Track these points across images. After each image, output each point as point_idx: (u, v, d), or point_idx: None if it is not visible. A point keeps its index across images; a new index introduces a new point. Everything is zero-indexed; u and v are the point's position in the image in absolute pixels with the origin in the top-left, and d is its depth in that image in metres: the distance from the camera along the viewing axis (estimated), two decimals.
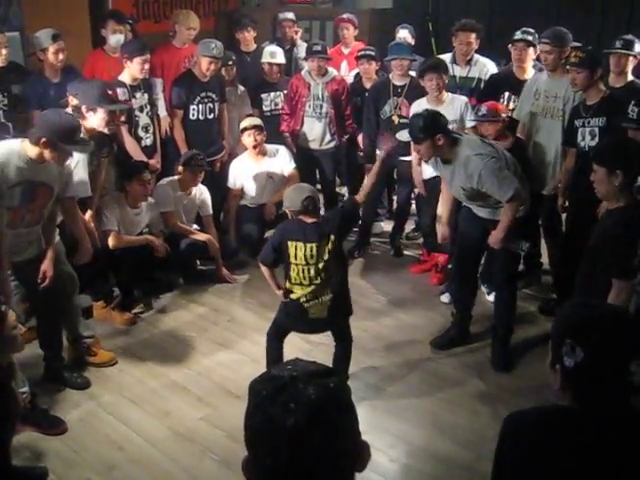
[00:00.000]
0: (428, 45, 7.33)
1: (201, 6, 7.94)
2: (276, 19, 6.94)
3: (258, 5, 8.57)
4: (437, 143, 3.92)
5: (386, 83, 5.61)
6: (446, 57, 5.73)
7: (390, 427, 3.72)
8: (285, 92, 6.00)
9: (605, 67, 4.69)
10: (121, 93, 4.93)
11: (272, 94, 6.03)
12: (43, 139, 3.46)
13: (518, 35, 5.13)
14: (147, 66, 5.15)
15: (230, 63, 5.80)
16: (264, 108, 6.04)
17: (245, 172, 5.68)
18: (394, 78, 5.57)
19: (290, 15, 6.78)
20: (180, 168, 5.25)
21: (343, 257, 3.86)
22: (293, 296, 3.70)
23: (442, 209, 4.72)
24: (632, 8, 6.87)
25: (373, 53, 5.88)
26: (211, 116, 5.69)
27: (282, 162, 5.73)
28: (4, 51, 4.58)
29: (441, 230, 4.74)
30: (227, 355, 4.47)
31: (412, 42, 6.33)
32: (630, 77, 4.71)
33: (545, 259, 5.37)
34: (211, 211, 5.52)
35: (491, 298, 4.89)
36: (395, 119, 5.50)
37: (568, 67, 4.47)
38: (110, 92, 4.22)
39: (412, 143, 4.30)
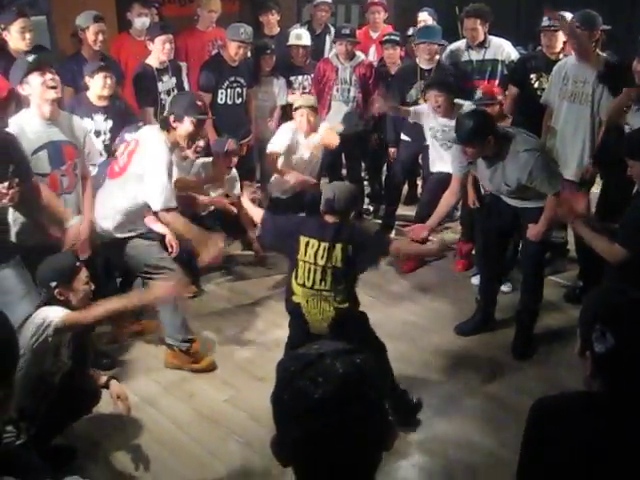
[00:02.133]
0: (455, 28, 7.24)
1: None
2: (309, 2, 6.89)
3: None
4: (487, 144, 3.81)
5: (413, 67, 5.57)
6: (461, 43, 5.69)
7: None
8: (312, 76, 5.97)
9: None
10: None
11: (300, 77, 5.97)
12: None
13: (546, 22, 5.06)
14: (169, 46, 5.10)
15: (268, 52, 5.74)
16: (293, 91, 5.96)
17: (293, 145, 5.34)
18: (421, 62, 5.52)
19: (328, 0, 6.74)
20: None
21: (354, 277, 3.45)
22: (294, 298, 3.43)
23: (436, 214, 4.22)
24: None
25: (398, 38, 5.86)
26: (239, 101, 5.64)
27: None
28: (28, 35, 4.60)
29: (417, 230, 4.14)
30: (251, 337, 4.50)
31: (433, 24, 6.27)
32: None
33: (572, 246, 5.31)
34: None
35: (505, 288, 4.88)
36: (421, 102, 5.46)
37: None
38: (200, 103, 3.92)
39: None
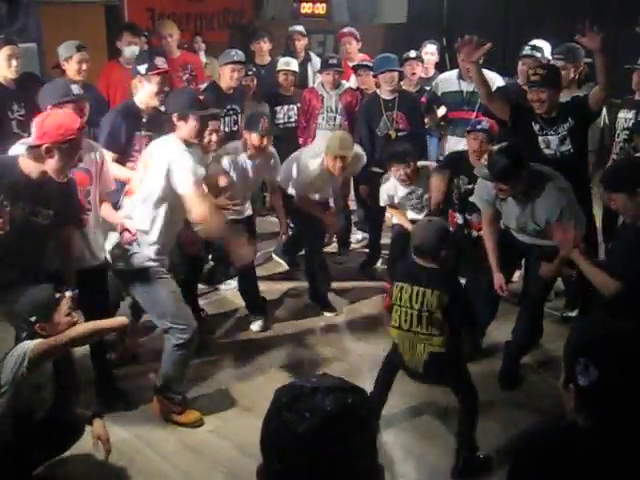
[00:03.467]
0: (442, 60, 7.36)
1: (216, 19, 8.04)
2: (287, 33, 6.99)
3: (273, 18, 8.64)
4: (522, 181, 3.78)
5: (375, 99, 5.58)
6: (452, 73, 5.75)
7: (397, 441, 3.70)
8: (298, 105, 6.02)
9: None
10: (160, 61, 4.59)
11: (286, 107, 6.04)
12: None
13: (527, 51, 5.13)
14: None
15: (250, 74, 5.80)
16: (277, 121, 6.01)
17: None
18: (383, 93, 5.54)
19: (299, 28, 6.84)
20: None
21: (453, 325, 3.37)
22: (393, 338, 3.50)
23: (492, 256, 4.15)
24: None
25: (370, 64, 5.92)
26: (235, 128, 5.60)
27: None
28: (15, 62, 4.63)
29: (496, 278, 4.14)
30: (238, 367, 4.46)
31: (436, 59, 6.36)
32: None
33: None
34: None
35: None
36: (392, 134, 5.48)
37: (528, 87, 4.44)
38: (202, 97, 3.90)
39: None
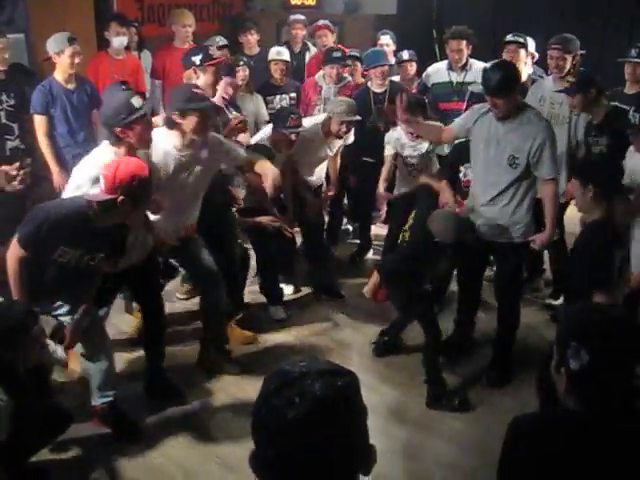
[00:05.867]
0: (432, 51, 7.35)
1: (205, 10, 7.96)
2: (285, 22, 6.95)
3: (262, 10, 8.60)
4: (514, 98, 3.84)
5: (366, 92, 5.59)
6: (442, 64, 5.75)
7: (393, 433, 3.72)
8: (292, 95, 5.96)
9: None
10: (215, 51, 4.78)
11: (278, 97, 5.95)
12: (118, 130, 3.41)
13: (509, 37, 5.16)
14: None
15: (241, 64, 5.73)
16: (270, 111, 5.88)
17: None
18: (373, 86, 5.56)
19: (301, 17, 6.78)
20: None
21: None
22: None
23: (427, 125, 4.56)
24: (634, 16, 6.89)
25: (359, 55, 5.92)
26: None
27: None
28: (3, 54, 4.62)
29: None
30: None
31: (394, 47, 6.31)
32: None
33: (546, 265, 5.37)
34: None
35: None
36: (381, 127, 5.48)
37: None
38: (198, 91, 3.85)
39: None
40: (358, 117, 5.02)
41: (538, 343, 4.54)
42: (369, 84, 5.62)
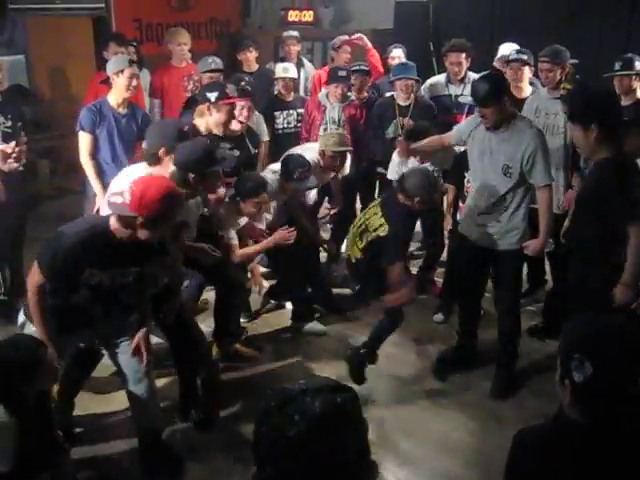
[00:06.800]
0: (429, 65, 7.38)
1: (203, 28, 8.05)
2: (280, 39, 6.97)
3: (260, 27, 8.66)
4: (503, 108, 3.88)
5: (391, 102, 5.57)
6: (441, 77, 5.76)
7: (398, 446, 3.70)
8: (299, 111, 5.93)
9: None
10: (231, 89, 4.54)
11: (285, 112, 5.91)
12: (192, 177, 3.41)
13: (513, 55, 5.16)
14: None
15: (243, 83, 5.69)
16: (276, 126, 5.89)
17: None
18: (398, 98, 5.52)
19: (294, 33, 6.80)
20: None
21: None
22: None
23: (426, 142, 4.60)
24: (629, 26, 6.91)
25: (366, 68, 5.87)
26: None
27: None
28: (1, 75, 4.63)
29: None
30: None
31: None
32: None
33: (549, 275, 5.35)
34: None
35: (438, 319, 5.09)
36: (401, 139, 5.47)
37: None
38: (185, 129, 3.82)
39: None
40: (350, 148, 5.05)
41: (541, 353, 4.53)
42: (394, 95, 5.58)
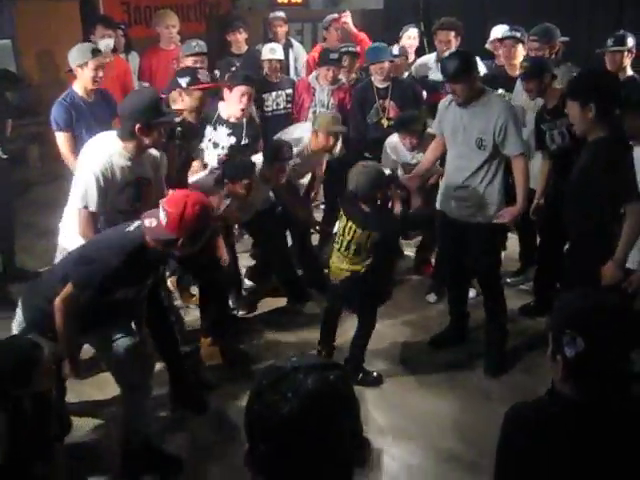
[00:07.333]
0: (421, 45, 7.33)
1: (192, 10, 7.99)
2: (266, 20, 6.93)
3: (249, 8, 8.60)
4: (474, 83, 3.95)
5: (369, 86, 5.52)
6: (430, 57, 5.74)
7: (391, 425, 3.71)
8: (287, 92, 5.90)
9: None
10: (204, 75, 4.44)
11: (274, 94, 5.88)
12: (137, 126, 3.34)
13: (506, 33, 5.14)
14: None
15: (233, 69, 5.66)
16: (266, 108, 5.87)
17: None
18: (376, 81, 5.48)
19: (280, 14, 6.75)
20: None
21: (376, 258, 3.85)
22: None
23: (424, 163, 4.52)
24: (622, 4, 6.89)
25: (356, 50, 5.85)
26: None
27: None
28: None
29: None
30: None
31: (418, 43, 6.30)
32: (630, 72, 4.72)
33: None
34: None
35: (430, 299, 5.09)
36: (384, 122, 5.44)
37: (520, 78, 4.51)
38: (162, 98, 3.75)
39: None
40: (344, 128, 5.01)
41: (533, 331, 4.56)
42: (372, 79, 5.53)
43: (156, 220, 2.99)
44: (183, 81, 4.25)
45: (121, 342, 3.20)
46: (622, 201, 3.22)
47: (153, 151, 3.64)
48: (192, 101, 4.29)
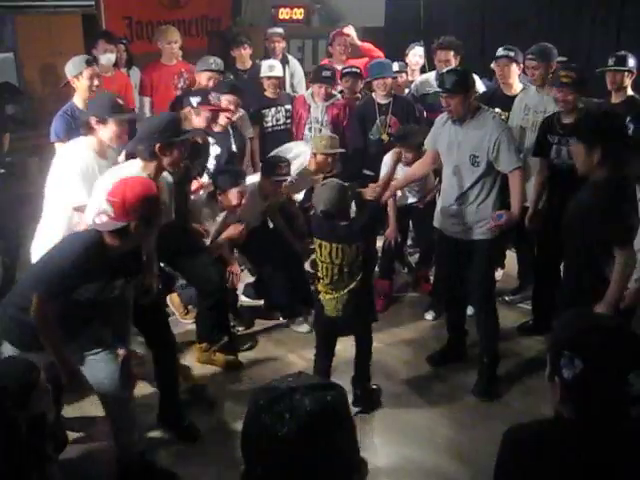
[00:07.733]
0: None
1: (194, 26, 8.00)
2: (265, 35, 6.96)
3: (251, 24, 8.62)
4: (469, 99, 3.99)
5: (370, 103, 5.56)
6: (431, 74, 5.76)
7: (386, 444, 3.71)
8: (287, 107, 5.92)
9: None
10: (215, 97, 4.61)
11: (273, 109, 5.90)
12: (158, 145, 3.37)
13: (500, 52, 5.17)
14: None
15: (226, 79, 5.69)
16: (265, 124, 5.88)
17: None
18: (377, 97, 5.54)
19: (279, 30, 6.79)
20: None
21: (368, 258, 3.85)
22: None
23: (404, 178, 4.65)
24: (620, 23, 6.91)
25: (357, 70, 5.87)
26: None
27: None
28: None
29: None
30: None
31: (424, 61, 6.32)
32: (630, 92, 4.74)
33: None
34: None
35: (429, 316, 5.06)
36: (385, 138, 5.47)
37: (555, 87, 4.43)
38: (121, 102, 3.87)
39: None
40: (341, 149, 5.06)
41: (532, 351, 4.54)
42: (374, 95, 5.58)
43: (105, 215, 3.00)
44: (194, 100, 4.38)
45: (99, 357, 3.18)
46: (615, 245, 3.16)
47: (168, 177, 3.68)
48: (200, 121, 4.40)
